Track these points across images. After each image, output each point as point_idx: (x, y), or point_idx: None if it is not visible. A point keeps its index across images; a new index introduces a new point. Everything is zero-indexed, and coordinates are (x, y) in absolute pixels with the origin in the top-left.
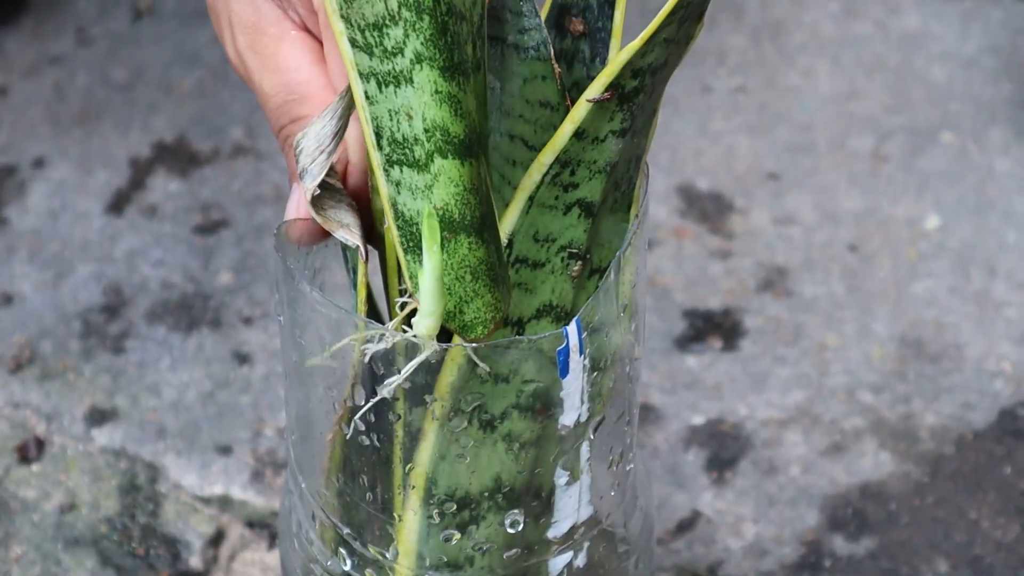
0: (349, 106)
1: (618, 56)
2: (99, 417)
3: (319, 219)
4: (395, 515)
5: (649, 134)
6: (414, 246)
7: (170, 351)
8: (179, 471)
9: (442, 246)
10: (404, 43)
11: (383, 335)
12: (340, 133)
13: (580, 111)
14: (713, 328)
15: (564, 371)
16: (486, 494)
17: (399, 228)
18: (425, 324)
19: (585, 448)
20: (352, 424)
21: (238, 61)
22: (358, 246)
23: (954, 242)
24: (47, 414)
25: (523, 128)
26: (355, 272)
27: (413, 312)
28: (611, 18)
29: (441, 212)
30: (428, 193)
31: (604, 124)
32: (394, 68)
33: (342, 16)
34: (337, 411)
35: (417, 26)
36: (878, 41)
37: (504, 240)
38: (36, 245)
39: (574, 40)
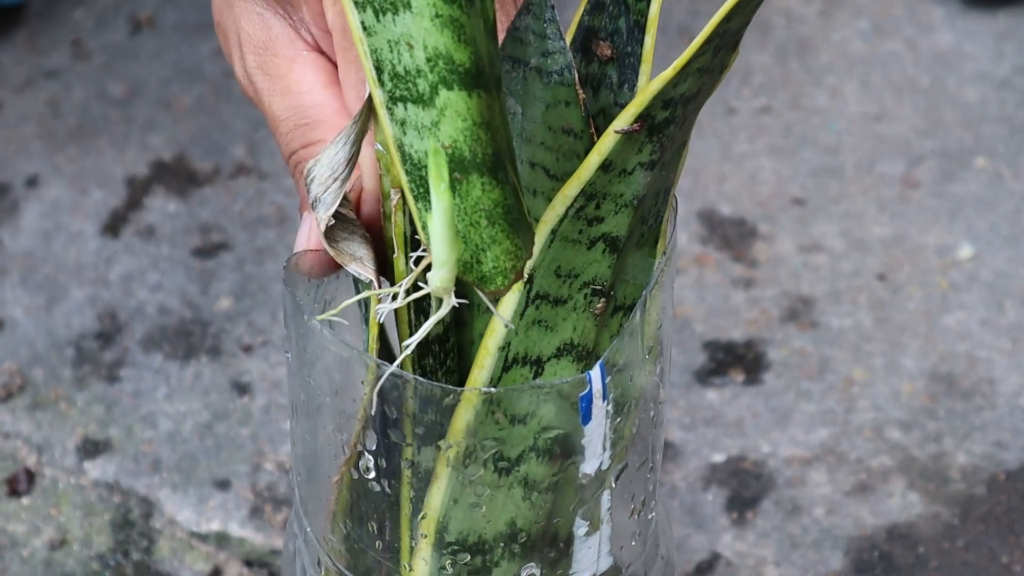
0: (363, 130)
1: (649, 86)
2: (92, 449)
3: (331, 251)
4: (405, 564)
5: (678, 166)
6: (424, 191)
7: (167, 380)
8: (175, 506)
9: (452, 188)
10: None
11: (396, 294)
12: (353, 160)
13: (608, 142)
14: (735, 361)
15: (586, 417)
16: (501, 542)
17: (407, 173)
18: (439, 275)
19: (606, 497)
20: (360, 467)
21: (247, 82)
22: (371, 280)
23: (987, 272)
24: (38, 445)
25: (544, 156)
26: (367, 307)
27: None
28: (641, 43)
29: (450, 150)
30: (435, 130)
31: (632, 156)
32: None
33: None
34: (345, 454)
35: None
36: (909, 61)
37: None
38: (28, 267)
39: (601, 65)
